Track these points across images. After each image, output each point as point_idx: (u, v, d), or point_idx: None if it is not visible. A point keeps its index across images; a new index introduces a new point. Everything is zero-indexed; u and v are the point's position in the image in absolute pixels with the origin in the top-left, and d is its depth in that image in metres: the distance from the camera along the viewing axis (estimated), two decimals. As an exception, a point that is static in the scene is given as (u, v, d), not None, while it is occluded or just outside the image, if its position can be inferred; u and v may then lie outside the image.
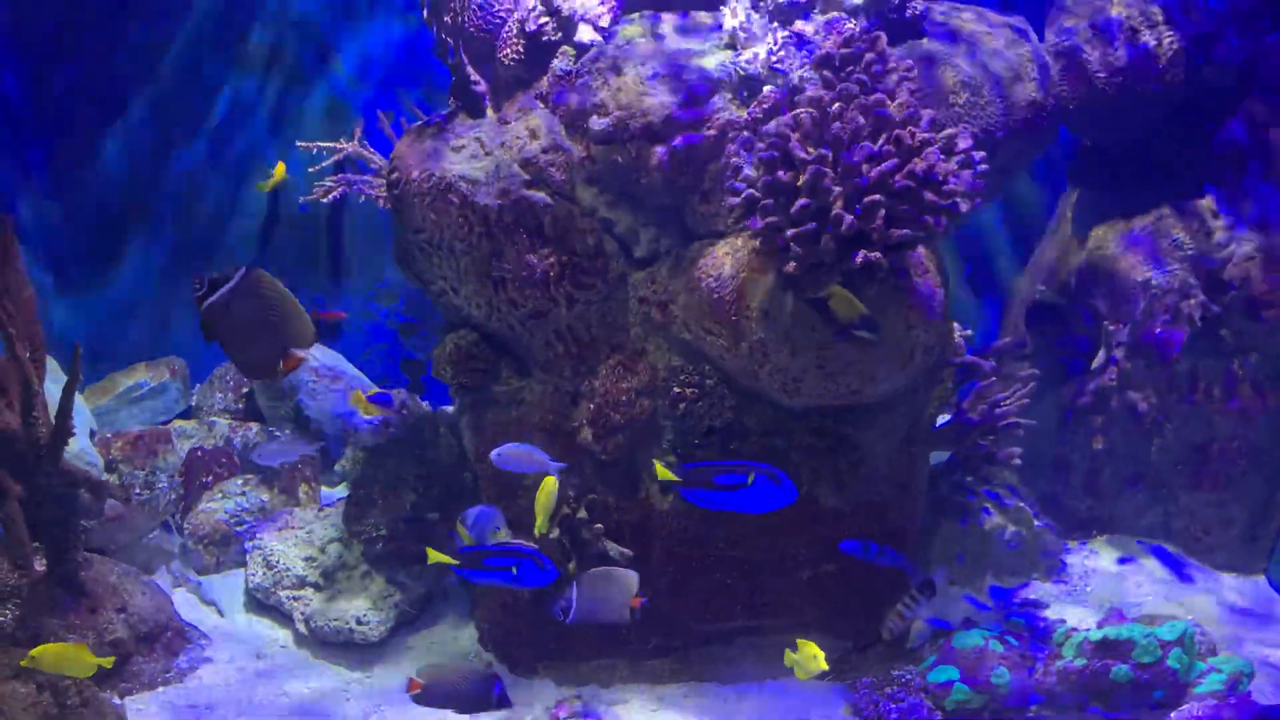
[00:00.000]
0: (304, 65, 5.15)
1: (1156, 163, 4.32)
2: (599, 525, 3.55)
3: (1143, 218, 4.31)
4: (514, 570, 3.10)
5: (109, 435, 4.58)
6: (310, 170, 4.12)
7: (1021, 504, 4.31)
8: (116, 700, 3.48)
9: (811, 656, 3.14)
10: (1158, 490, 4.30)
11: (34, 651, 2.99)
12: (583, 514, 3.55)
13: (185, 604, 4.07)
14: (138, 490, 4.30)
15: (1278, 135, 3.99)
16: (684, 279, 3.44)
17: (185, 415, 4.98)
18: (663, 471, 3.21)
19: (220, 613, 4.09)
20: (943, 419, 3.99)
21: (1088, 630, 3.54)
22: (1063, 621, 3.83)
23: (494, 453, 3.36)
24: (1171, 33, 4.04)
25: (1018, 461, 4.01)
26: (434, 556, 3.20)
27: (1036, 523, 4.32)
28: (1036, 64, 3.83)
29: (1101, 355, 4.33)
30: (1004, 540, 4.19)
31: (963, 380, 3.93)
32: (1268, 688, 3.52)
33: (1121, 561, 4.36)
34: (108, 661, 3.12)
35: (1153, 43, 4.05)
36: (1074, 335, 4.48)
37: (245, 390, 4.96)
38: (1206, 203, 4.17)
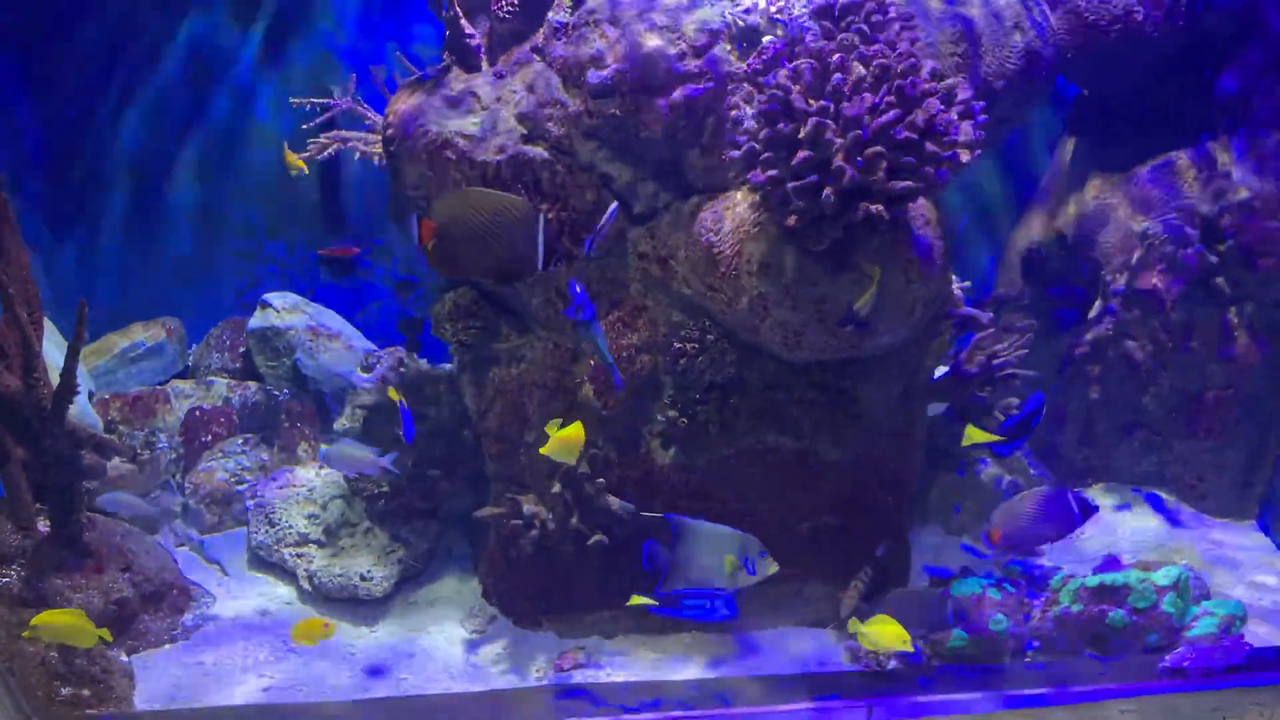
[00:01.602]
0: (294, 19, 5.08)
1: (1154, 112, 4.30)
2: (601, 480, 3.57)
3: (1140, 167, 4.32)
4: (707, 605, 3.20)
5: (107, 396, 4.57)
6: (304, 127, 4.07)
7: (1018, 453, 4.34)
8: (124, 658, 3.50)
9: (885, 633, 3.17)
10: (1153, 439, 4.34)
11: (35, 621, 3.00)
12: (585, 469, 3.57)
13: (188, 563, 4.09)
14: (139, 450, 4.30)
15: (1275, 82, 3.96)
16: (684, 234, 3.43)
17: (183, 375, 4.97)
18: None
19: (224, 571, 4.11)
20: (941, 370, 4.01)
21: (1084, 577, 3.59)
22: (1059, 569, 3.88)
23: (321, 453, 3.35)
24: (1171, -21, 4.02)
25: (1015, 412, 4.05)
26: (636, 600, 3.20)
27: (1033, 471, 4.36)
28: (1035, 13, 3.80)
29: (1098, 305, 4.35)
30: (1001, 490, 4.23)
31: (960, 332, 3.94)
32: (1260, 629, 3.58)
33: (1117, 509, 4.42)
34: (107, 634, 3.14)
35: (1152, -11, 4.02)
36: (1070, 286, 4.50)
37: (242, 350, 4.94)
38: (1207, 150, 4.16)
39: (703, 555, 3.03)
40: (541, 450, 3.23)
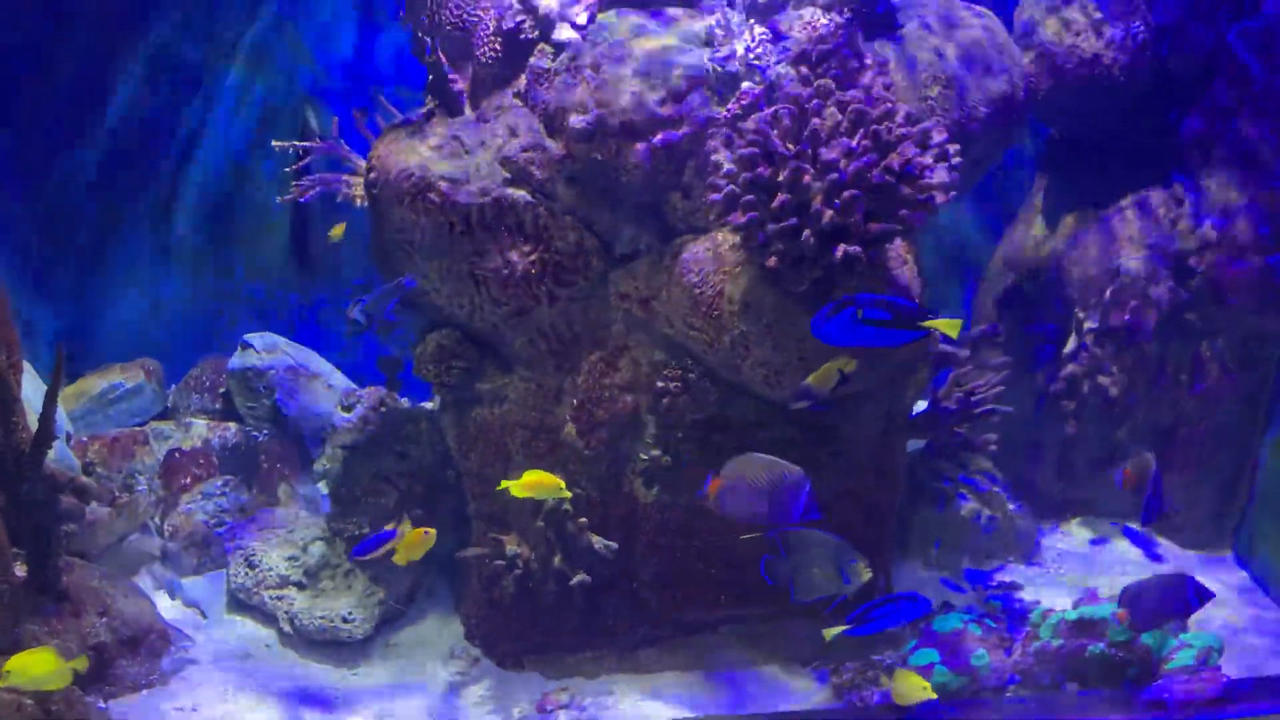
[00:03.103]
0: (275, 60, 5.11)
1: (1124, 151, 4.39)
2: (583, 519, 3.58)
3: (1111, 206, 4.40)
4: (896, 609, 3.16)
5: (84, 438, 4.54)
6: (286, 170, 4.10)
7: (997, 489, 4.39)
8: (101, 704, 3.47)
9: (915, 685, 3.22)
10: (1129, 473, 4.38)
11: (7, 667, 2.96)
12: (568, 507, 3.58)
13: (167, 607, 4.05)
14: (117, 493, 4.27)
15: (1241, 123, 4.06)
16: (665, 275, 3.47)
17: (162, 416, 4.95)
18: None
19: (203, 614, 4.07)
20: (919, 406, 4.06)
21: (1063, 611, 3.62)
22: (1039, 603, 3.91)
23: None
24: (1137, 24, 4.11)
25: (993, 448, 4.09)
26: (830, 633, 3.17)
27: (1011, 506, 4.40)
28: (1007, 57, 3.88)
29: (1073, 341, 4.41)
30: (980, 524, 4.26)
31: (939, 368, 4.00)
32: (1237, 661, 3.62)
33: (1094, 543, 4.46)
34: (81, 663, 3.10)
35: (1119, 34, 4.12)
36: (1045, 321, 4.56)
37: (222, 390, 4.93)
38: (1173, 190, 4.25)
39: (815, 561, 3.08)
40: (511, 488, 3.27)
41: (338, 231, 4.15)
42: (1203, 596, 3.28)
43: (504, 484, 3.34)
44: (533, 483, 3.33)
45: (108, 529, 3.98)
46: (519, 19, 3.53)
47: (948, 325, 2.86)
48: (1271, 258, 3.96)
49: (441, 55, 3.57)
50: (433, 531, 3.36)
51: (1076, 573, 4.25)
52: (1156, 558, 4.34)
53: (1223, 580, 4.16)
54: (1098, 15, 4.15)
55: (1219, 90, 4.13)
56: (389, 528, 3.44)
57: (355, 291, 5.05)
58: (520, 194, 3.49)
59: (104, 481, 4.34)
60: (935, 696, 3.23)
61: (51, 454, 3.41)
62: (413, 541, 3.33)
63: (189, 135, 5.13)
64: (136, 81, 5.05)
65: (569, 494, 3.43)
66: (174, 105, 5.11)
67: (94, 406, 4.79)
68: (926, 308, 3.11)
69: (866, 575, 3.06)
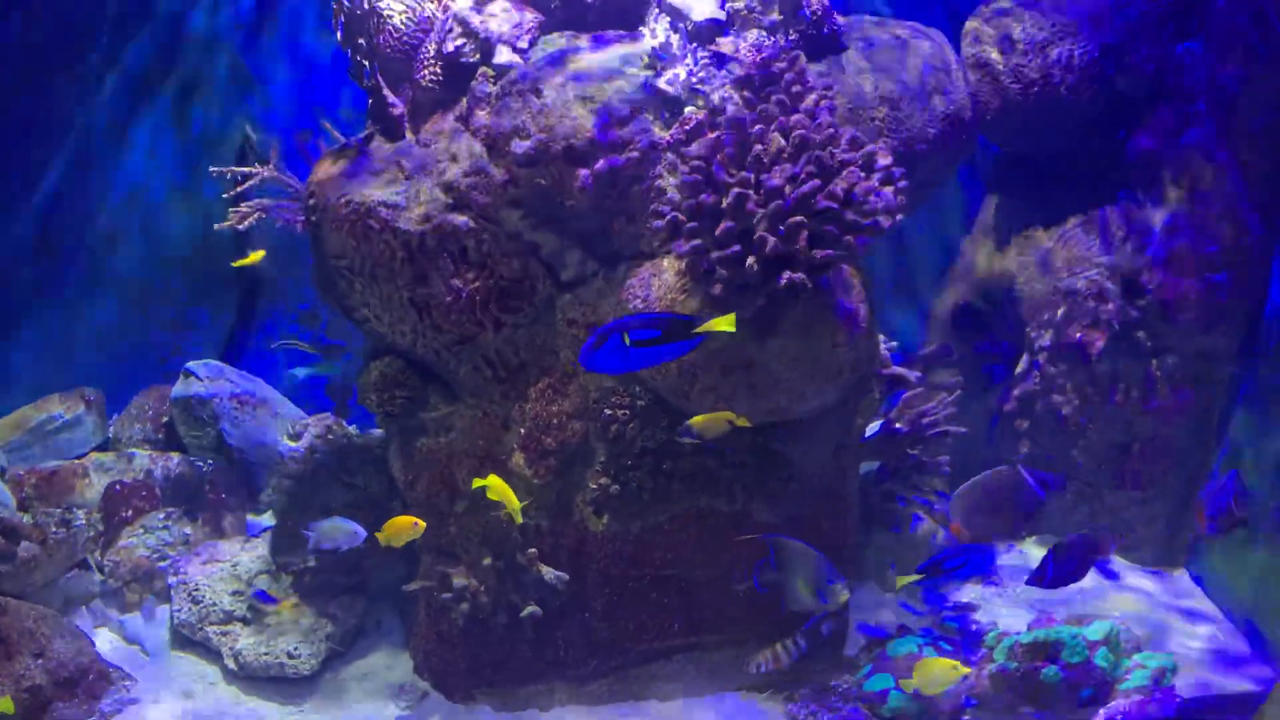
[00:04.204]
0: (215, 83, 5.04)
1: (1072, 170, 4.40)
2: (533, 550, 3.52)
3: (1060, 225, 4.40)
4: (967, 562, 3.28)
5: (20, 472, 4.41)
6: (225, 196, 4.02)
7: (952, 509, 4.37)
8: (37, 750, 3.37)
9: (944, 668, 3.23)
10: (1084, 490, 4.39)
11: None
12: (517, 537, 3.52)
13: (108, 645, 3.95)
14: (54, 529, 4.15)
15: (1187, 142, 4.08)
16: (612, 300, 3.42)
17: (102, 447, 4.83)
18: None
19: (145, 652, 3.97)
20: (872, 429, 4.03)
21: (1018, 633, 3.61)
22: (994, 624, 3.90)
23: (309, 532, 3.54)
24: (1082, 44, 4.13)
25: (946, 469, 4.07)
26: (903, 581, 3.30)
27: (967, 527, 4.38)
28: (954, 78, 3.88)
29: (1025, 361, 4.41)
30: (935, 546, 4.24)
31: (891, 390, 3.97)
32: (1191, 679, 3.62)
33: (1049, 562, 4.45)
34: (6, 705, 3.01)
35: (1064, 54, 4.13)
36: (997, 341, 4.56)
37: (165, 420, 4.82)
38: (1122, 208, 4.26)
39: (799, 572, 3.16)
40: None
41: (255, 257, 4.07)
42: (1049, 485, 3.22)
43: (477, 482, 3.36)
44: (499, 486, 3.32)
45: (41, 567, 3.87)
46: (460, 43, 3.48)
47: (722, 323, 2.86)
48: (1217, 276, 3.98)
49: (380, 79, 3.52)
50: (421, 523, 3.38)
51: (1032, 592, 4.23)
52: (1112, 575, 4.33)
53: (1178, 597, 4.16)
54: (1043, 35, 4.15)
55: (1165, 110, 4.15)
56: (271, 593, 3.73)
57: (301, 317, 4.98)
58: (462, 219, 3.43)
59: (41, 517, 4.22)
60: (968, 670, 3.25)
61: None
62: (400, 527, 3.36)
63: (127, 161, 5.03)
64: (71, 108, 4.96)
65: (519, 519, 3.37)
66: (112, 132, 5.02)
67: (31, 439, 4.66)
68: (696, 316, 3.05)
69: (844, 597, 3.14)
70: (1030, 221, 4.51)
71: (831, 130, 3.06)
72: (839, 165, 3.00)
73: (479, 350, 3.53)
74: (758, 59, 3.24)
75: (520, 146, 3.33)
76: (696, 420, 3.18)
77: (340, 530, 3.55)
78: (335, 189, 3.48)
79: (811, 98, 3.14)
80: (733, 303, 3.09)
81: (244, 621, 3.91)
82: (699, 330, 2.85)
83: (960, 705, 3.53)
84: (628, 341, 2.79)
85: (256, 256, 4.00)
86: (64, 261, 5.03)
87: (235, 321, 5.11)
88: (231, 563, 4.06)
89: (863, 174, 3.04)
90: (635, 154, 3.30)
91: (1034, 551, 4.50)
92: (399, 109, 3.59)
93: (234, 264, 4.03)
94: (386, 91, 3.54)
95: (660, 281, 3.30)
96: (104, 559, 4.27)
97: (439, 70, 3.52)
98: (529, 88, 3.38)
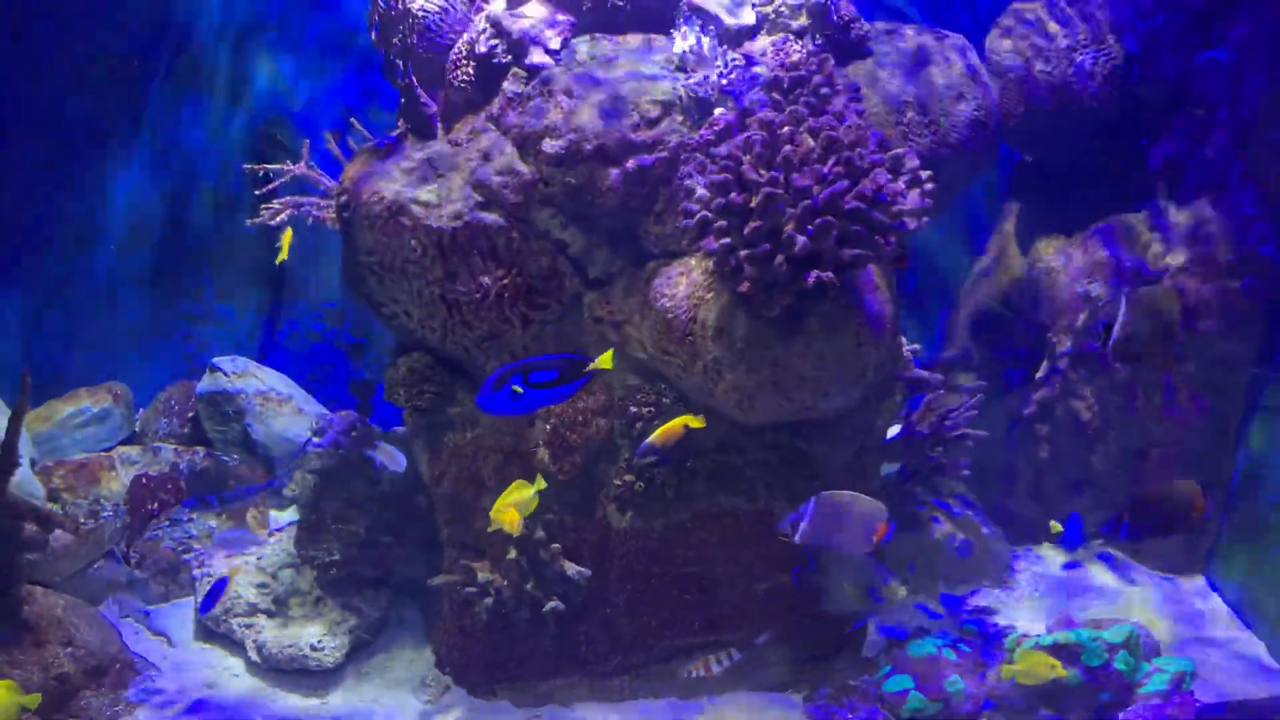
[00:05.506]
0: (248, 82, 5.09)
1: (1094, 177, 4.43)
2: (556, 545, 3.55)
3: (1081, 231, 4.43)
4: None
5: (50, 464, 4.46)
6: (256, 192, 4.06)
7: (971, 513, 4.39)
8: (64, 737, 3.40)
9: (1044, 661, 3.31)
10: (1101, 496, 4.40)
11: None
12: (540, 534, 3.55)
13: (134, 635, 3.98)
14: (82, 520, 4.20)
15: (1208, 150, 4.11)
16: (639, 299, 3.46)
17: (129, 441, 4.87)
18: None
19: (170, 643, 4.01)
20: (893, 431, 4.06)
21: (1038, 636, 3.61)
22: (1013, 627, 3.91)
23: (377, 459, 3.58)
24: (1106, 52, 4.16)
25: (966, 472, 4.10)
26: (1056, 527, 3.40)
27: (985, 530, 4.40)
28: (978, 83, 3.92)
29: (1045, 366, 4.43)
30: (954, 548, 4.26)
31: (912, 393, 4.00)
32: (1210, 684, 3.62)
33: (1068, 566, 4.46)
34: (33, 700, 3.04)
35: (1088, 62, 4.16)
36: (1017, 346, 4.58)
37: (190, 415, 4.86)
38: (1143, 216, 4.28)
39: (844, 573, 3.21)
40: (491, 514, 3.24)
41: (285, 239, 4.09)
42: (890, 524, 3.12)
43: (494, 516, 3.32)
44: (509, 503, 3.32)
45: (72, 557, 3.91)
46: (492, 43, 3.52)
47: (604, 360, 3.00)
48: (1237, 283, 4.00)
49: (414, 79, 3.56)
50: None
51: (1050, 596, 4.25)
52: (1131, 581, 4.34)
53: (1197, 603, 4.17)
54: (1067, 42, 4.19)
55: (1186, 118, 4.18)
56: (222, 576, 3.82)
57: (326, 314, 5.03)
58: (493, 217, 3.47)
59: (70, 508, 4.27)
60: (1064, 674, 3.30)
61: (15, 478, 3.35)
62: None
63: (156, 157, 5.08)
64: (100, 108, 5.01)
65: (543, 484, 3.37)
66: (144, 129, 5.07)
67: (59, 431, 4.70)
68: (585, 354, 3.20)
69: (902, 594, 3.18)
70: (1050, 227, 4.54)
71: (860, 132, 3.09)
72: (867, 166, 3.03)
73: (507, 346, 3.57)
74: (787, 62, 3.27)
75: (551, 146, 3.37)
76: (655, 435, 3.25)
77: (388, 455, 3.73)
78: (368, 186, 3.53)
79: (840, 100, 3.18)
80: (760, 300, 3.13)
81: (268, 614, 3.94)
82: (588, 370, 2.97)
83: (978, 708, 3.54)
84: (527, 383, 2.92)
85: (286, 238, 4.01)
86: (94, 256, 5.08)
87: (261, 317, 5.15)
88: (256, 556, 4.10)
89: (890, 175, 3.07)
90: (665, 154, 3.34)
91: (1051, 555, 4.52)
92: (432, 108, 3.63)
93: (277, 260, 4.07)
94: (420, 90, 3.59)
95: (688, 281, 3.34)
96: (130, 550, 4.31)
97: (471, 71, 3.56)
98: (561, 88, 3.43)
